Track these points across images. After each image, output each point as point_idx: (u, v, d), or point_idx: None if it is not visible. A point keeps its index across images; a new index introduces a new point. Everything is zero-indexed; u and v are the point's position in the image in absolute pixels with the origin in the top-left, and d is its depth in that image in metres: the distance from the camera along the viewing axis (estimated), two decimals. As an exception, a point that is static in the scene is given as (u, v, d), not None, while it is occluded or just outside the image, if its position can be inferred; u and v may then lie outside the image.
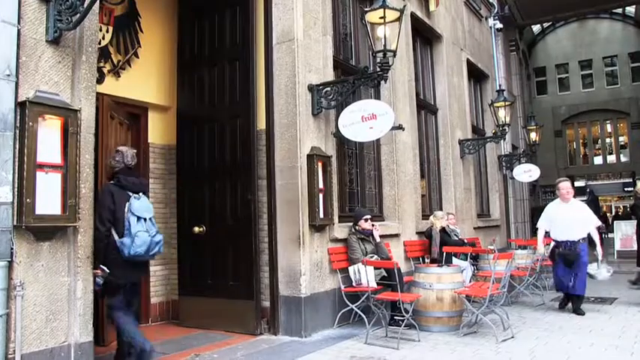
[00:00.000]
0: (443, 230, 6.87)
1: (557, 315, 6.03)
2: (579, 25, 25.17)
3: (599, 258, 6.03)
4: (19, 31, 3.20)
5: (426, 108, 8.63)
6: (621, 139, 24.98)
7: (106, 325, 4.76)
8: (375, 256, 5.62)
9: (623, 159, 24.76)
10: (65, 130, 3.32)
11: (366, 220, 5.69)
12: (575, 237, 5.98)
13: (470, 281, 6.43)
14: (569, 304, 6.20)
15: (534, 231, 13.01)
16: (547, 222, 6.33)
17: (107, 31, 5.42)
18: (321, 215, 5.25)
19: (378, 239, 5.82)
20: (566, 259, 5.95)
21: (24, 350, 3.10)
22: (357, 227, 5.68)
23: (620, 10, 23.00)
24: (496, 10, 12.36)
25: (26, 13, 3.26)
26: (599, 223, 6.19)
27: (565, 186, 6.28)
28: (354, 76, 5.39)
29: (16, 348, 3.05)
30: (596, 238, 6.06)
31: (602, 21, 24.75)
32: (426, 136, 8.60)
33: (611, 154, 25.26)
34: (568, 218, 6.04)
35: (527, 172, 11.16)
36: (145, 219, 3.73)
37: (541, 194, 21.76)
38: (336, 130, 5.67)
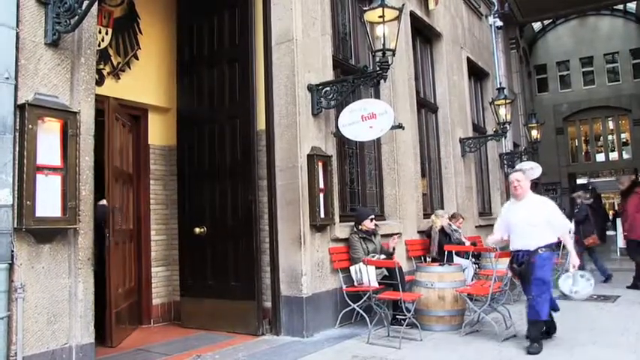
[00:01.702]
0: (442, 230, 6.86)
1: (560, 313, 6.00)
2: (580, 22, 25.11)
3: (570, 269, 4.60)
4: (17, 34, 3.20)
5: (426, 106, 8.62)
6: (623, 135, 24.90)
7: (114, 327, 4.78)
8: (377, 256, 5.62)
9: (625, 156, 24.68)
10: (65, 133, 3.32)
11: (372, 219, 5.69)
12: (530, 245, 4.48)
13: (471, 280, 6.41)
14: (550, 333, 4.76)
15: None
16: (503, 226, 4.84)
17: (106, 33, 5.43)
18: (322, 215, 5.24)
19: (391, 250, 5.86)
20: (520, 275, 4.59)
21: (26, 352, 3.10)
22: (359, 227, 5.67)
23: (621, 7, 22.93)
24: (496, 8, 12.33)
25: (24, 16, 3.26)
26: (569, 225, 4.79)
27: (513, 178, 4.73)
28: (354, 75, 5.39)
29: (17, 350, 3.06)
30: (569, 245, 4.73)
31: (602, 18, 24.68)
32: (427, 135, 8.59)
33: (613, 151, 25.18)
34: (520, 220, 4.58)
35: (528, 170, 11.13)
36: None
37: (543, 192, 21.71)
38: (336, 129, 5.66)
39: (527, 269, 4.47)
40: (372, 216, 5.76)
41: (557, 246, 6.69)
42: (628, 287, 7.53)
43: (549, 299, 4.48)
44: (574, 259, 4.61)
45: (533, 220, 4.50)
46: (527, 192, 4.68)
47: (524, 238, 4.54)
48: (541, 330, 4.54)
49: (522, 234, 4.56)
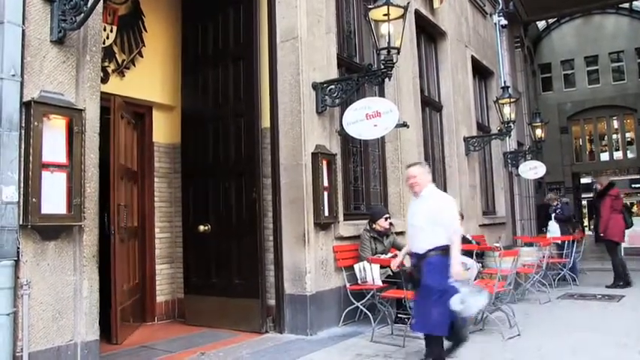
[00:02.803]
0: None
1: (564, 312, 6.00)
2: (585, 20, 24.99)
3: (457, 282, 3.82)
4: (23, 31, 3.21)
5: (430, 105, 8.60)
6: (628, 135, 24.80)
7: (119, 324, 4.80)
8: (382, 256, 5.60)
9: (630, 155, 24.59)
10: (70, 130, 3.33)
11: (386, 219, 5.67)
12: (421, 247, 3.95)
13: (475, 279, 6.39)
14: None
15: (540, 228, 13.01)
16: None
17: (111, 31, 5.44)
18: (326, 213, 5.24)
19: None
20: (411, 281, 4.18)
21: (31, 348, 3.12)
22: (372, 225, 5.64)
23: (626, 5, 22.81)
24: (501, 6, 12.29)
25: (30, 13, 3.26)
26: (456, 227, 3.95)
27: (409, 173, 4.12)
28: (358, 73, 5.39)
29: (23, 346, 3.07)
30: (454, 250, 3.82)
31: (608, 16, 24.55)
32: (431, 134, 8.57)
33: (617, 150, 25.08)
34: (415, 220, 4.05)
35: (532, 169, 11.12)
36: None
37: (547, 191, 21.66)
38: (340, 128, 5.66)
39: (418, 274, 3.96)
40: (387, 215, 5.74)
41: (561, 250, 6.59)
42: (608, 287, 7.60)
43: (447, 311, 3.77)
44: (454, 267, 3.80)
45: (417, 220, 4.01)
46: (426, 188, 4.06)
47: (417, 239, 4.03)
48: (441, 346, 3.92)
49: (415, 235, 4.08)
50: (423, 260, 3.91)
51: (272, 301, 5.18)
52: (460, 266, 3.84)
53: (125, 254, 5.22)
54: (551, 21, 24.39)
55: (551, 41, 25.81)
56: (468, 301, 3.77)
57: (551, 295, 6.91)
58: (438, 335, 3.89)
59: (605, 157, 25.25)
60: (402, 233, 6.69)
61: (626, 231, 13.13)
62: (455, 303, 3.75)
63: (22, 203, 3.11)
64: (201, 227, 5.51)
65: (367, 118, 5.26)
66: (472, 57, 10.19)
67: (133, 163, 5.67)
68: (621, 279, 7.68)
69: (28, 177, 3.11)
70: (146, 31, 5.85)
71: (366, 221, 5.77)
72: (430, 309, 3.80)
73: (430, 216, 3.91)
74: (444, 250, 3.86)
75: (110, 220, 4.91)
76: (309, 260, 5.06)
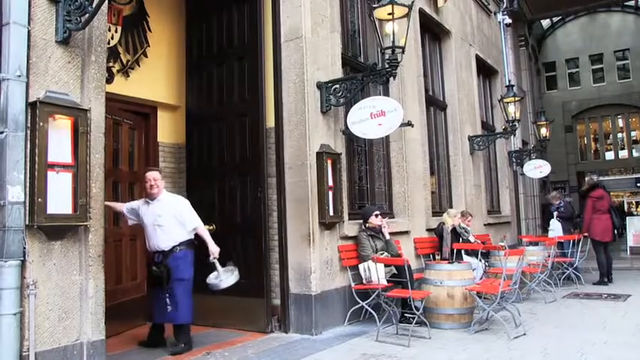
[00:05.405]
0: (453, 230, 6.81)
1: (570, 311, 5.98)
2: (589, 18, 24.87)
3: (211, 258, 4.53)
4: (29, 32, 3.22)
5: (435, 104, 8.58)
6: (633, 133, 24.67)
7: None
8: (385, 253, 5.60)
9: (635, 154, 24.46)
10: (75, 130, 3.33)
11: (376, 215, 5.68)
12: (163, 246, 4.50)
13: (481, 278, 6.38)
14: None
15: (545, 227, 12.99)
16: (133, 213, 4.73)
17: (116, 31, 5.45)
18: (331, 213, 5.24)
19: (387, 236, 5.78)
20: (155, 277, 4.50)
21: (38, 348, 3.13)
22: (366, 224, 5.66)
23: (632, 3, 22.68)
24: (505, 5, 12.24)
25: (36, 14, 3.27)
26: (197, 221, 4.63)
27: (150, 176, 4.58)
28: (363, 73, 5.38)
29: (30, 346, 3.08)
30: (206, 237, 4.60)
31: (613, 14, 24.42)
32: (436, 133, 8.55)
33: (623, 149, 24.95)
34: (151, 222, 4.55)
35: (537, 168, 11.11)
36: None
37: (551, 190, 21.61)
38: (345, 127, 5.65)
39: (164, 270, 4.43)
40: (377, 212, 5.74)
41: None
42: (594, 284, 7.80)
43: (190, 299, 4.53)
44: (212, 247, 4.55)
45: (161, 220, 4.50)
46: (162, 192, 4.62)
47: (155, 239, 4.54)
48: (189, 331, 4.58)
49: (153, 235, 4.56)
50: (169, 256, 4.48)
51: (277, 301, 5.18)
52: (216, 246, 4.55)
53: (112, 256, 5.16)
54: (555, 19, 24.29)
55: (556, 39, 25.70)
56: (221, 277, 4.54)
57: (556, 294, 6.89)
58: (184, 324, 4.53)
59: (610, 155, 25.12)
60: (406, 233, 6.70)
61: (631, 230, 13.16)
62: (211, 278, 4.54)
63: (28, 203, 3.12)
64: (206, 227, 5.49)
65: (372, 118, 5.26)
66: (476, 56, 10.16)
67: (132, 164, 5.65)
68: (604, 276, 7.87)
69: (34, 177, 3.12)
70: (150, 31, 5.86)
71: (370, 220, 5.76)
72: (185, 300, 4.46)
73: (175, 216, 4.53)
74: (187, 245, 4.56)
75: None
76: (314, 260, 5.05)
